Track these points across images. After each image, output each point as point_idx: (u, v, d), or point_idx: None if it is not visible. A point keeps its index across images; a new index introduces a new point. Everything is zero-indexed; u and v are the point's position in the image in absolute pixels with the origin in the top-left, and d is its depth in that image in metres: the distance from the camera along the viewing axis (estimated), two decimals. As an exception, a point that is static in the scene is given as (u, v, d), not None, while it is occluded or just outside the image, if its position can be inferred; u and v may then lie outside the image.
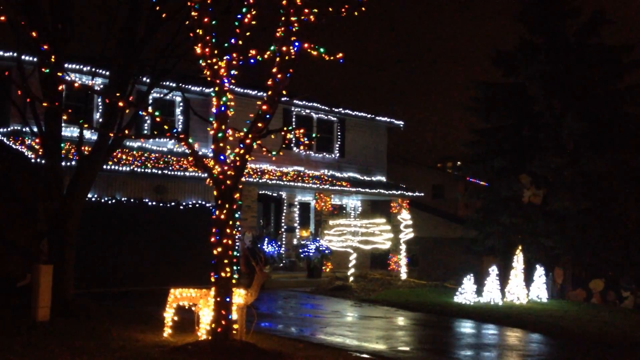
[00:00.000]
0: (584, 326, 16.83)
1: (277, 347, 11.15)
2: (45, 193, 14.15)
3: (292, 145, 24.63)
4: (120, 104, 11.56)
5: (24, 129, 17.67)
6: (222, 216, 10.52)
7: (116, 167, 18.69)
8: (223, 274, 10.40)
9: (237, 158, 10.70)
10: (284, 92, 10.90)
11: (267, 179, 22.65)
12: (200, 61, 10.68)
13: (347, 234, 23.22)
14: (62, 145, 15.00)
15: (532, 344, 14.41)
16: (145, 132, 21.31)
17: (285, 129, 11.73)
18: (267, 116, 10.74)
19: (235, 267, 10.65)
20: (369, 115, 27.74)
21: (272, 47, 10.72)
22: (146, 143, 20.95)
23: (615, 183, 24.74)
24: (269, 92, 10.76)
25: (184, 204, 20.69)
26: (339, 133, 26.93)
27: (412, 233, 25.52)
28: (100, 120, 19.61)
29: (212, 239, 10.51)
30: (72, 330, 11.74)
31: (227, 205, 10.53)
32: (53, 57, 12.74)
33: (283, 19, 10.58)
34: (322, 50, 10.70)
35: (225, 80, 10.75)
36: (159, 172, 19.66)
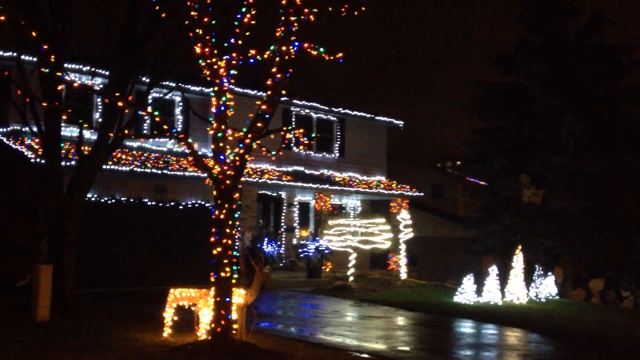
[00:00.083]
0: (583, 326, 16.81)
1: (277, 346, 11.14)
2: (45, 193, 14.14)
3: (291, 145, 24.61)
4: (120, 103, 11.57)
5: (23, 129, 17.66)
6: (222, 216, 10.52)
7: (116, 167, 18.68)
8: (223, 274, 10.40)
9: (237, 158, 10.69)
10: (284, 92, 10.90)
11: (267, 178, 22.64)
12: (200, 61, 10.67)
13: (347, 234, 23.19)
14: (62, 145, 15.00)
15: (531, 343, 14.39)
16: (145, 132, 21.31)
17: (284, 128, 11.73)
18: (267, 116, 10.73)
19: (235, 267, 10.65)
20: (368, 115, 27.73)
21: (271, 47, 10.73)
22: (146, 143, 20.94)
23: (615, 183, 24.77)
24: (269, 92, 10.76)
25: (183, 203, 20.69)
26: (338, 133, 26.93)
27: (411, 233, 25.49)
28: (100, 120, 19.61)
29: (212, 239, 10.50)
30: (72, 330, 11.75)
31: (226, 205, 10.53)
32: (53, 57, 12.73)
33: (283, 18, 10.59)
34: (322, 50, 10.71)
35: (225, 80, 10.75)
36: (159, 172, 19.66)
